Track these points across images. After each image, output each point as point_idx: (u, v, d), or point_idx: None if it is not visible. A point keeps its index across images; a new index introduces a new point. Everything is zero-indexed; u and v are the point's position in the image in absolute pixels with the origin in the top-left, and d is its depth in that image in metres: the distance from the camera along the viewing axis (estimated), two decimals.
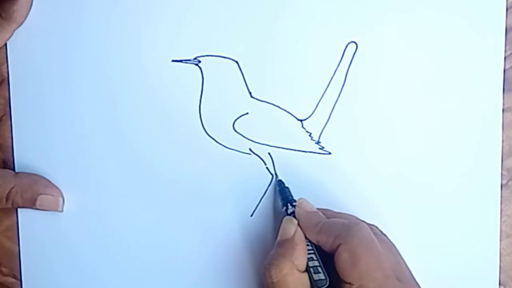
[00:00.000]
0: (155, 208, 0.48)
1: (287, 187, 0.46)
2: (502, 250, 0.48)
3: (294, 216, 0.44)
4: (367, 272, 0.39)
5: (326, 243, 0.41)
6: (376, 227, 0.44)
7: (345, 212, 0.46)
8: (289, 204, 0.45)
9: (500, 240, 0.48)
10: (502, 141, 0.48)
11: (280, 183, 0.47)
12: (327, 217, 0.44)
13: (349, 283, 0.39)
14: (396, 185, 0.48)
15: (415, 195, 0.48)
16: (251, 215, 0.48)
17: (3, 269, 0.49)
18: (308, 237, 0.42)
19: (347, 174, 0.48)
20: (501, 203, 0.48)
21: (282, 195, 0.46)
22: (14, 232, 0.48)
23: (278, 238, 0.43)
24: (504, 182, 0.48)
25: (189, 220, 0.48)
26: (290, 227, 0.43)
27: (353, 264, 0.39)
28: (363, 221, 0.43)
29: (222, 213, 0.48)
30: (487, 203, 0.48)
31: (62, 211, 0.47)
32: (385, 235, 0.44)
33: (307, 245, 0.42)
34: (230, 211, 0.48)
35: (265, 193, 0.47)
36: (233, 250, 0.48)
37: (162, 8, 0.47)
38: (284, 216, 0.44)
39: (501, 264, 0.48)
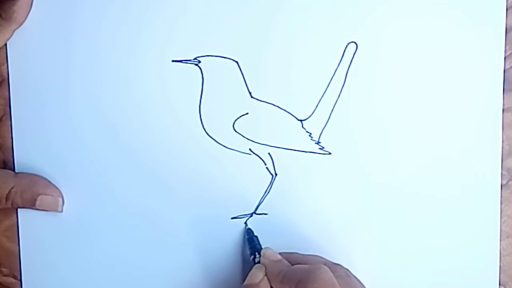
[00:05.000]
0: (155, 208, 0.48)
1: (256, 236, 0.47)
2: (502, 250, 0.48)
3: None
4: None
5: None
6: (341, 267, 0.44)
7: (314, 254, 0.46)
8: (256, 253, 0.45)
9: (500, 240, 0.48)
10: (502, 141, 0.48)
11: (249, 231, 0.47)
12: (292, 262, 0.44)
13: None
14: (396, 185, 0.48)
15: (415, 195, 0.48)
16: (251, 216, 0.48)
17: (3, 269, 0.49)
18: (273, 286, 0.43)
19: (347, 174, 0.48)
20: (501, 203, 0.48)
21: (251, 243, 0.46)
22: (14, 232, 0.48)
23: (245, 282, 0.44)
24: (504, 182, 0.48)
25: (189, 220, 0.48)
26: (258, 273, 0.43)
27: None
28: (328, 261, 0.44)
29: (222, 213, 0.48)
30: (487, 203, 0.48)
31: (61, 211, 0.47)
32: (352, 274, 0.44)
33: None
34: (230, 211, 0.48)
35: (265, 193, 0.47)
36: (233, 250, 0.48)
37: (162, 8, 0.47)
38: (254, 264, 0.45)
39: (501, 264, 0.48)
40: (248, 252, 0.46)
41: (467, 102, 0.47)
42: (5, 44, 0.47)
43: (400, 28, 0.47)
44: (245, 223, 0.48)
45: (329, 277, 0.40)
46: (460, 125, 0.48)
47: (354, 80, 0.47)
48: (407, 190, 0.48)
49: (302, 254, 0.46)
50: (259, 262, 0.45)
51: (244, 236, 0.47)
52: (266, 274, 0.44)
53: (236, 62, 0.47)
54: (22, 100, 0.47)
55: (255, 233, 0.47)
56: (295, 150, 0.48)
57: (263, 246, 0.46)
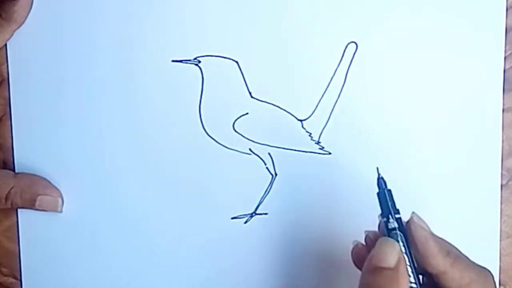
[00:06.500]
0: (154, 208, 0.48)
1: (390, 190, 0.38)
2: (502, 250, 0.48)
3: (391, 233, 0.37)
4: None
5: (456, 281, 0.36)
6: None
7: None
8: (390, 216, 0.37)
9: (500, 240, 0.48)
10: (502, 141, 0.48)
11: (381, 182, 0.39)
12: None
13: None
14: (396, 185, 0.48)
15: (415, 195, 0.48)
16: (251, 216, 0.48)
17: (3, 269, 0.49)
18: (436, 265, 0.36)
19: (347, 174, 0.48)
20: (501, 203, 0.48)
21: (384, 200, 0.38)
22: (14, 232, 0.48)
23: (375, 263, 0.35)
24: (504, 182, 0.48)
25: (189, 220, 0.48)
26: (392, 252, 0.35)
27: None
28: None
29: (222, 213, 0.48)
30: (487, 203, 0.48)
31: (61, 211, 0.47)
32: None
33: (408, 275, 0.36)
34: (230, 211, 0.48)
35: (265, 193, 0.47)
36: (233, 251, 0.48)
37: (162, 8, 0.47)
38: (387, 230, 0.37)
39: (501, 264, 0.48)
40: (380, 212, 0.38)
41: (467, 102, 0.47)
42: (5, 44, 0.47)
43: (400, 28, 0.47)
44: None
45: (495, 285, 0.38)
46: (460, 125, 0.47)
47: (354, 80, 0.47)
48: (407, 190, 0.48)
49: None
50: (394, 229, 0.37)
51: (380, 186, 0.39)
52: (411, 249, 0.37)
53: (236, 62, 0.47)
54: (22, 100, 0.47)
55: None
56: (295, 150, 0.48)
57: (263, 246, 0.46)
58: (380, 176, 0.39)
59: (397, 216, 0.37)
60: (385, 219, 0.38)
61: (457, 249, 0.39)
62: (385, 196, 0.38)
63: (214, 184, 0.47)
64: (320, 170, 0.48)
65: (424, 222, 0.38)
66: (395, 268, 0.35)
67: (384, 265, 0.35)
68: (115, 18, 0.47)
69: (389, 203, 0.38)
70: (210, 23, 0.47)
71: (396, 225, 0.37)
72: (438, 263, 0.37)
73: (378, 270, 0.35)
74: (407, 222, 0.38)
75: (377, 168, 0.39)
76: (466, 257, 0.38)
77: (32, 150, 0.48)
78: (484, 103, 0.47)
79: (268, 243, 0.47)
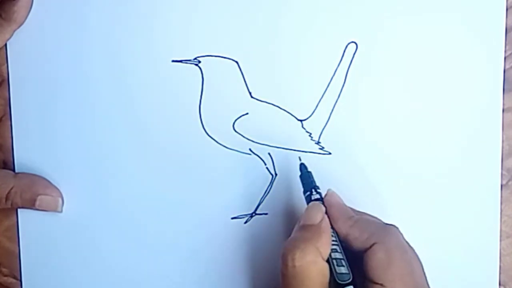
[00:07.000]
0: (154, 208, 0.48)
1: (310, 172, 0.45)
2: (502, 250, 0.48)
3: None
4: (401, 276, 0.38)
5: (357, 239, 0.40)
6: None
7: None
8: (313, 190, 0.43)
9: (500, 240, 0.48)
10: (502, 141, 0.48)
11: (302, 167, 0.45)
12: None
13: (381, 284, 0.38)
14: (396, 185, 0.48)
15: (414, 195, 0.48)
16: (251, 216, 0.48)
17: (3, 269, 0.49)
18: (338, 228, 0.41)
19: (347, 174, 0.48)
20: (501, 203, 0.48)
21: (306, 179, 0.44)
22: (14, 232, 0.48)
23: (302, 222, 0.41)
24: (504, 182, 0.48)
25: (189, 220, 0.48)
26: (317, 213, 0.41)
27: (388, 265, 0.38)
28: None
29: (222, 213, 0.48)
30: (487, 203, 0.48)
31: (61, 211, 0.47)
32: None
33: (331, 235, 0.40)
34: (230, 211, 0.48)
35: (265, 193, 0.47)
36: (233, 251, 0.48)
37: (162, 8, 0.47)
38: (309, 202, 0.43)
39: (501, 264, 0.48)
40: (302, 188, 0.44)
41: (467, 102, 0.47)
42: (5, 44, 0.47)
43: (400, 28, 0.47)
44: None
45: (402, 237, 0.40)
46: (460, 125, 0.47)
47: (354, 80, 0.47)
48: (406, 190, 0.48)
49: (359, 211, 0.44)
50: (316, 200, 0.43)
51: (302, 170, 0.45)
52: (327, 214, 0.41)
53: (236, 62, 0.47)
54: (22, 100, 0.47)
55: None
56: (295, 150, 0.48)
57: (263, 246, 0.46)
58: (301, 162, 0.45)
59: (318, 190, 0.44)
60: (308, 193, 0.43)
61: (368, 215, 0.43)
62: (308, 177, 0.44)
63: (214, 184, 0.47)
64: (320, 170, 0.47)
65: (339, 197, 0.43)
66: (318, 224, 0.40)
67: (310, 222, 0.40)
68: (115, 18, 0.47)
69: (311, 181, 0.44)
70: (210, 23, 0.47)
71: (318, 196, 0.43)
72: (339, 226, 0.41)
73: (305, 226, 0.40)
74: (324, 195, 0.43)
75: (299, 157, 0.46)
76: (374, 219, 0.42)
77: (32, 150, 0.48)
78: (484, 103, 0.47)
79: (268, 243, 0.47)
